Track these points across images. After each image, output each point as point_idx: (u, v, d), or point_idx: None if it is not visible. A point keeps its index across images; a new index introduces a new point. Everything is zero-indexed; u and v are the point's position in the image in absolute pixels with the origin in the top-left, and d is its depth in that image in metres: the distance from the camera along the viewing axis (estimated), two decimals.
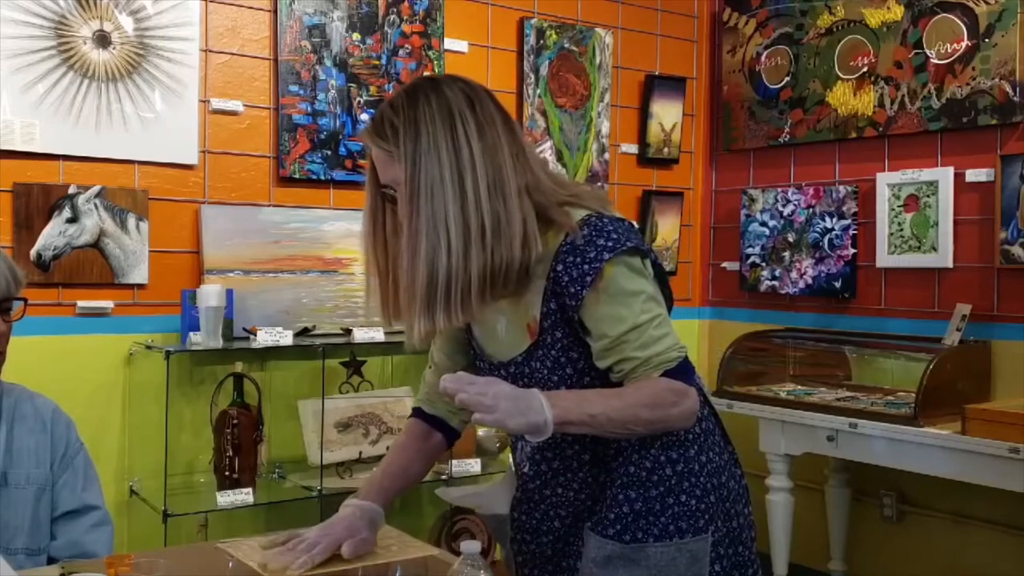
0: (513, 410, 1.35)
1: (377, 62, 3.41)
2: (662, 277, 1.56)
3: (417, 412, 1.77)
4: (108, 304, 2.93)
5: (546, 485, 1.59)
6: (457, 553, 1.39)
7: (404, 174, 1.42)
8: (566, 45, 3.84)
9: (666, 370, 1.44)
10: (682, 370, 1.46)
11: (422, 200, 1.40)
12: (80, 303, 2.89)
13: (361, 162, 3.37)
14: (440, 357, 1.73)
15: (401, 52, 3.46)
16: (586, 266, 1.43)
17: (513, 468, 1.72)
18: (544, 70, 3.77)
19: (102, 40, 2.92)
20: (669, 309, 1.58)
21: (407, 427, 1.78)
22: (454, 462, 3.18)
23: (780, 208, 3.91)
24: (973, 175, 3.34)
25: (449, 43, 3.57)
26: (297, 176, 3.25)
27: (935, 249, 3.43)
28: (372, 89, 3.39)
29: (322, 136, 3.29)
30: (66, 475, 1.93)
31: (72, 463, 1.95)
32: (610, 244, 1.44)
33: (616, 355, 1.45)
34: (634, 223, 1.55)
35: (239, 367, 2.92)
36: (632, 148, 4.06)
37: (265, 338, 2.91)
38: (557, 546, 1.59)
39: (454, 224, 1.39)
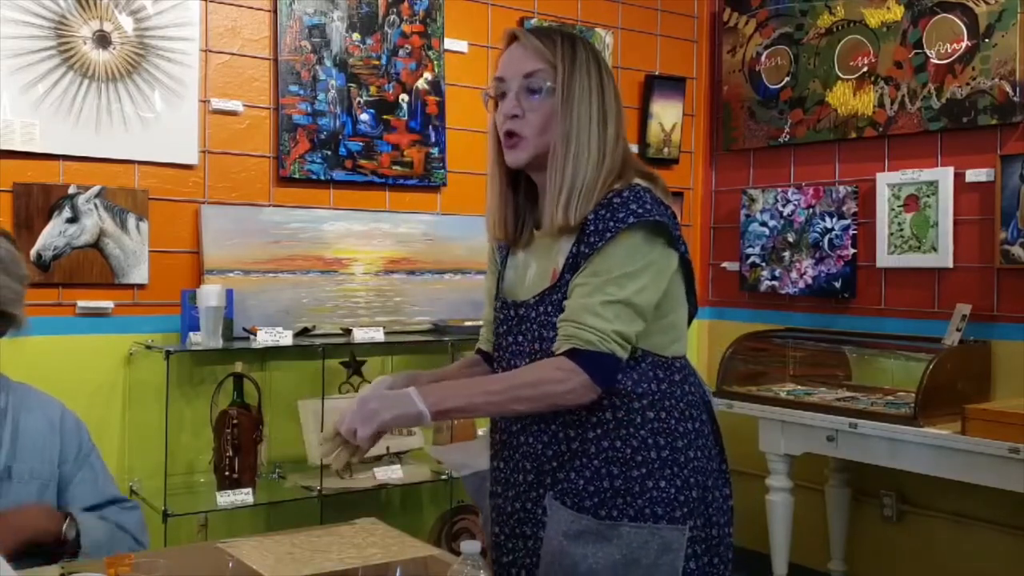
0: (382, 408, 1.43)
1: (377, 62, 3.41)
2: (689, 279, 1.61)
3: (477, 351, 1.83)
4: (108, 304, 2.93)
5: (522, 431, 1.61)
6: (457, 553, 1.39)
7: (560, 81, 1.55)
8: None
9: (574, 348, 1.45)
10: (591, 359, 1.45)
11: (574, 105, 1.55)
12: (80, 303, 2.89)
13: (361, 162, 3.37)
14: (487, 301, 1.81)
15: (401, 52, 3.46)
16: (612, 223, 1.50)
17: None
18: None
19: (102, 40, 2.92)
20: (692, 315, 1.64)
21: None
22: None
23: (780, 208, 3.91)
24: (973, 175, 3.34)
25: (449, 43, 3.57)
26: (297, 176, 3.25)
27: (935, 249, 3.43)
28: (372, 89, 3.40)
29: (322, 136, 3.29)
30: (82, 472, 1.96)
31: (88, 460, 1.98)
32: (641, 211, 1.50)
33: (570, 297, 1.51)
34: (677, 216, 1.61)
35: (239, 367, 2.92)
36: (632, 148, 4.05)
37: (265, 338, 2.91)
38: (516, 504, 1.61)
39: (595, 136, 1.55)
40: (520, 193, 1.66)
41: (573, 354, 1.45)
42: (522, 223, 1.67)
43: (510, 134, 1.59)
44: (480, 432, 3.34)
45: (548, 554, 1.52)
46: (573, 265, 1.53)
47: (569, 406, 1.49)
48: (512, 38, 1.62)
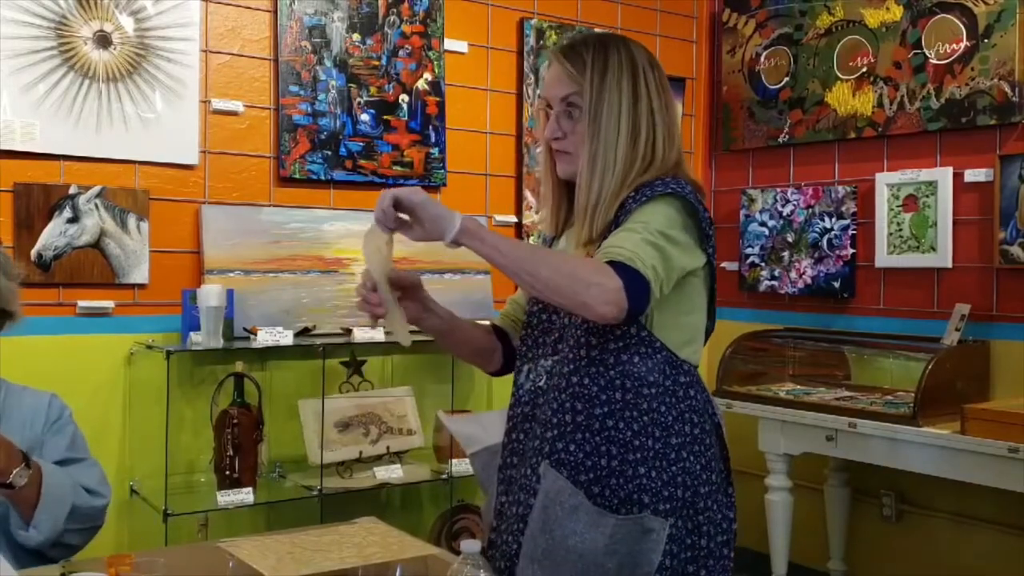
0: (425, 199, 1.45)
1: (377, 62, 3.42)
2: (712, 278, 1.63)
3: (492, 325, 1.86)
4: (109, 304, 2.93)
5: (532, 403, 1.64)
6: (457, 553, 1.40)
7: (587, 103, 1.60)
8: None
9: (613, 260, 1.44)
10: (630, 273, 1.42)
11: (601, 125, 1.59)
12: (81, 303, 2.90)
13: (361, 162, 3.37)
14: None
15: (401, 52, 3.46)
16: (648, 192, 1.55)
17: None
18: (544, 70, 3.78)
19: (103, 40, 2.93)
20: (710, 330, 1.66)
21: None
22: (454, 461, 3.19)
23: (779, 208, 3.91)
24: (972, 175, 3.34)
25: (449, 43, 3.57)
26: (297, 176, 3.25)
27: (934, 249, 3.44)
28: (372, 89, 3.40)
29: (322, 136, 3.29)
30: (56, 438, 1.99)
31: (63, 430, 2.01)
32: (678, 189, 1.55)
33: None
34: (712, 219, 1.62)
35: (239, 367, 2.92)
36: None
37: (265, 338, 2.92)
38: (523, 470, 1.62)
39: (623, 151, 1.59)
40: (572, 189, 1.70)
41: (612, 265, 1.43)
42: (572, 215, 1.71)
43: (558, 150, 1.66)
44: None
45: (538, 520, 1.53)
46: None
47: (589, 303, 1.40)
48: (550, 60, 1.69)
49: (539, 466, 1.57)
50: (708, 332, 1.67)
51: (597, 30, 1.65)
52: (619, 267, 1.42)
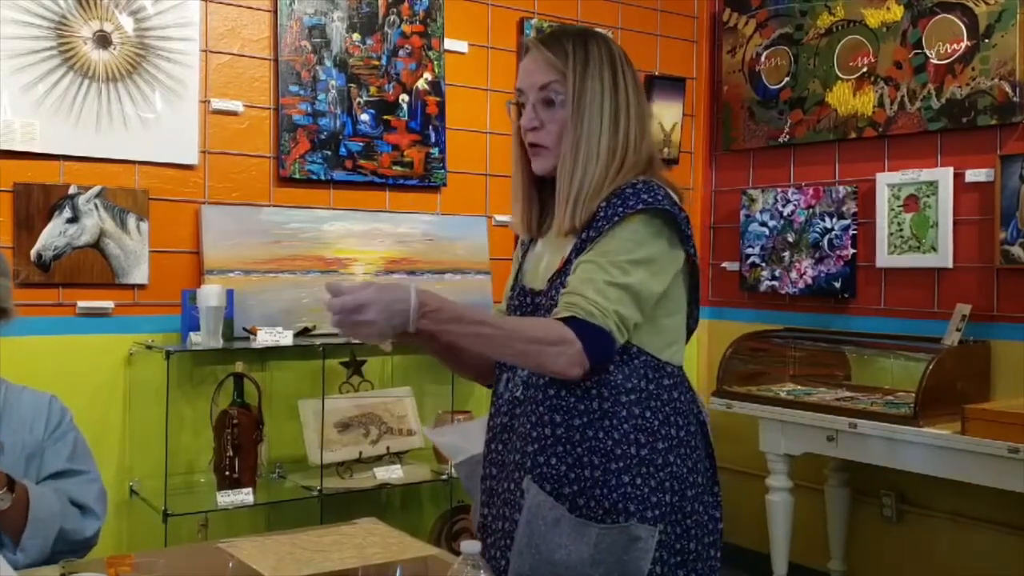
0: (382, 324, 1.38)
1: (377, 62, 3.41)
2: (693, 288, 1.63)
3: None
4: (108, 304, 2.93)
5: (510, 413, 1.63)
6: (457, 553, 1.40)
7: (570, 91, 1.60)
8: None
9: (574, 316, 1.45)
10: (589, 330, 1.44)
11: (585, 112, 1.59)
12: (80, 303, 2.90)
13: (361, 162, 3.37)
14: (506, 289, 1.83)
15: (401, 52, 3.46)
16: (621, 208, 1.54)
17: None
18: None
19: (102, 40, 2.93)
20: (692, 327, 1.67)
21: None
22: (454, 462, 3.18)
23: (780, 208, 3.91)
24: (973, 175, 3.34)
25: (449, 43, 3.57)
26: (297, 176, 3.25)
27: (935, 249, 3.44)
28: (372, 89, 3.40)
29: (322, 136, 3.29)
30: (57, 445, 1.98)
31: (64, 437, 2.00)
32: (650, 200, 1.54)
33: (574, 273, 1.51)
34: (688, 217, 1.62)
35: (239, 367, 2.92)
36: None
37: (265, 338, 2.91)
38: (504, 484, 1.62)
39: (606, 139, 1.59)
40: (545, 190, 1.69)
41: (572, 322, 1.45)
42: (549, 217, 1.69)
43: (532, 144, 1.64)
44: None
45: (524, 536, 1.53)
46: (580, 249, 1.56)
47: (553, 373, 1.48)
48: (527, 49, 1.66)
49: (522, 481, 1.56)
50: (691, 330, 1.67)
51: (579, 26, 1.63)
52: (577, 324, 1.44)
